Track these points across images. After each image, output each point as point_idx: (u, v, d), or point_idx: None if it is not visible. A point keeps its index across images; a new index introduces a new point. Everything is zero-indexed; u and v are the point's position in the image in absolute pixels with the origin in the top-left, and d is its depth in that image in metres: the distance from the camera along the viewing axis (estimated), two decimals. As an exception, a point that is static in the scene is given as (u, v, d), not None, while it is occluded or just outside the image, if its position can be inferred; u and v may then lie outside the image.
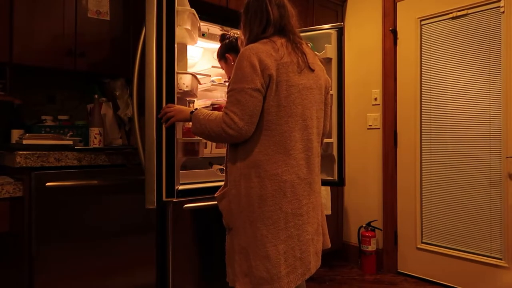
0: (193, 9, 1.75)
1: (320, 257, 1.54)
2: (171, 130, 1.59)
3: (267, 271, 1.35)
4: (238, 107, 1.33)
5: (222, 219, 1.57)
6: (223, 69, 2.20)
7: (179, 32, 1.80)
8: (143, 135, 1.63)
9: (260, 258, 1.36)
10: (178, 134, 1.71)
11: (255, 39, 1.42)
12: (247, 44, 1.42)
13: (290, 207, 1.38)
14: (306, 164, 1.44)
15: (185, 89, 1.73)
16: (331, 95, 1.63)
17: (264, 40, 1.41)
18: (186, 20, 1.73)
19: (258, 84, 1.33)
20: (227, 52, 2.06)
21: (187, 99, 1.83)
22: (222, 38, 2.15)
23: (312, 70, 1.45)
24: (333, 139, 2.50)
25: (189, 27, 1.77)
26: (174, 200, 1.97)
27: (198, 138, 1.79)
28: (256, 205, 1.37)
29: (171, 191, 1.60)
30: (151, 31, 1.56)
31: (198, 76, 2.53)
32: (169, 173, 1.58)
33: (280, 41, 1.40)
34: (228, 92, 1.39)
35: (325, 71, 1.56)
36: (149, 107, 1.56)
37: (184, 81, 1.73)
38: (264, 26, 1.43)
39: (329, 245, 1.62)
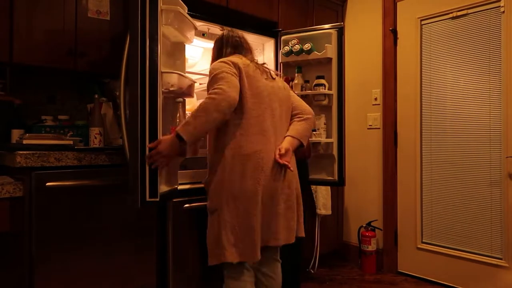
0: (178, 7, 1.73)
1: (294, 235, 1.77)
2: (154, 131, 1.57)
3: (252, 240, 1.60)
4: (221, 81, 1.56)
5: (208, 203, 1.75)
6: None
7: (168, 32, 1.80)
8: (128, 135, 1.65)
9: (244, 229, 1.60)
10: (164, 135, 1.71)
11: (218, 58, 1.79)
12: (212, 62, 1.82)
13: (267, 180, 1.63)
14: (276, 146, 1.71)
15: (171, 89, 1.72)
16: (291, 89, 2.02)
17: (230, 55, 1.77)
18: (173, 19, 1.73)
19: (234, 70, 1.61)
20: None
21: (177, 99, 1.82)
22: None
23: (273, 78, 1.81)
24: (333, 139, 2.51)
25: (176, 26, 1.76)
26: (174, 200, 1.98)
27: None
28: (238, 182, 1.61)
29: (154, 192, 1.58)
30: (134, 30, 1.55)
31: (198, 76, 2.55)
32: (152, 173, 1.57)
33: (239, 56, 1.76)
34: (209, 83, 1.62)
35: (279, 77, 1.95)
36: (134, 106, 1.55)
37: (169, 80, 1.71)
38: (228, 52, 1.83)
39: (303, 235, 1.84)
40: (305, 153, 2.24)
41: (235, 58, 1.70)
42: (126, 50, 1.79)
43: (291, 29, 2.70)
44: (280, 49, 2.64)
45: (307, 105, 1.91)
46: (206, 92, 2.74)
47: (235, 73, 1.61)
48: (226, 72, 1.58)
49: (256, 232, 1.62)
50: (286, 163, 1.64)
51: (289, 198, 1.74)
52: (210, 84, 1.61)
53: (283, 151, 1.67)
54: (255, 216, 1.62)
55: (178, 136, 1.51)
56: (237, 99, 1.57)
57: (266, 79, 1.74)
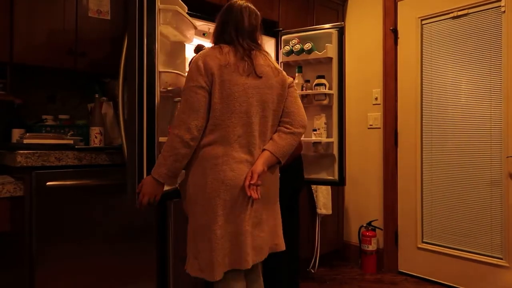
0: (176, 7, 1.73)
1: (265, 253, 1.57)
2: (152, 130, 1.58)
3: (209, 256, 1.45)
4: (184, 105, 1.47)
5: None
6: None
7: (166, 31, 1.80)
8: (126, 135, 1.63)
9: (203, 241, 1.48)
10: (162, 135, 1.70)
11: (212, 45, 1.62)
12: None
13: (229, 195, 1.46)
14: (249, 158, 1.52)
15: (169, 88, 1.71)
16: (293, 88, 1.68)
17: (214, 46, 1.58)
18: (171, 18, 1.72)
19: (201, 81, 1.47)
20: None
21: (175, 98, 1.81)
22: (197, 50, 2.07)
23: (260, 77, 1.54)
24: (334, 139, 2.51)
25: (175, 26, 1.76)
26: (175, 200, 1.97)
27: None
28: (200, 193, 1.48)
29: None
30: (132, 29, 1.55)
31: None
32: (149, 173, 1.56)
33: (227, 49, 1.54)
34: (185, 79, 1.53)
35: (280, 72, 1.63)
36: (131, 106, 1.56)
37: (167, 80, 1.71)
38: (216, 38, 1.63)
39: (282, 248, 1.64)
40: (298, 149, 2.21)
41: (214, 56, 1.50)
42: (124, 49, 1.79)
43: (291, 29, 2.70)
44: (280, 48, 2.64)
45: (303, 115, 1.65)
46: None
47: (201, 86, 1.46)
48: (191, 90, 1.47)
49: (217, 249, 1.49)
50: (253, 194, 1.44)
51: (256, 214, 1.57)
52: (182, 89, 1.53)
53: (255, 177, 1.46)
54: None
55: (153, 176, 1.49)
56: (203, 123, 1.47)
57: (248, 76, 1.51)
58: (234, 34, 1.58)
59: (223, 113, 1.48)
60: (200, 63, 1.48)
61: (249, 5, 1.66)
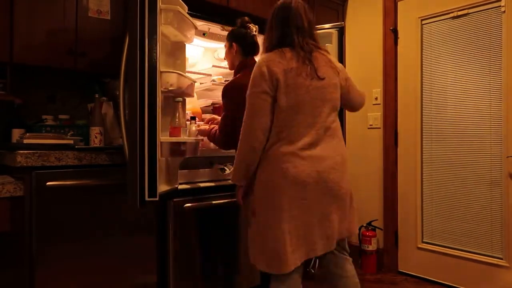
0: (177, 7, 1.72)
1: (333, 243, 1.61)
2: (153, 130, 1.58)
3: (276, 250, 1.51)
4: (250, 112, 1.55)
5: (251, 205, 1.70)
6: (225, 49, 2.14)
7: (167, 31, 1.80)
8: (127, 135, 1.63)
9: (270, 238, 1.53)
10: (163, 135, 1.70)
11: (269, 50, 1.63)
12: (264, 52, 1.66)
13: (294, 190, 1.52)
14: (313, 153, 1.56)
15: (170, 88, 1.71)
16: (349, 78, 1.77)
17: (275, 50, 1.60)
18: (172, 18, 1.72)
19: (267, 87, 1.52)
20: (235, 40, 2.01)
21: (176, 99, 1.81)
22: (242, 24, 2.05)
23: (322, 79, 1.59)
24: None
25: (176, 26, 1.76)
26: (174, 200, 1.97)
27: (182, 138, 1.81)
28: (267, 190, 1.56)
29: (153, 191, 1.59)
30: (133, 29, 1.55)
31: (199, 76, 2.55)
32: (151, 173, 1.57)
33: (289, 54, 1.58)
34: (249, 86, 1.58)
35: (340, 70, 1.69)
36: (133, 106, 1.55)
37: (168, 80, 1.71)
38: (276, 40, 1.63)
39: (351, 233, 1.69)
40: None
41: (278, 62, 1.54)
42: (125, 49, 1.79)
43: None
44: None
45: (363, 101, 1.84)
46: (209, 92, 2.77)
47: (265, 91, 1.53)
48: (255, 96, 1.54)
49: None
50: None
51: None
52: (247, 95, 1.58)
53: None
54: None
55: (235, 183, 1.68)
56: (269, 126, 1.55)
57: (311, 79, 1.56)
58: (296, 36, 1.60)
59: (289, 114, 1.54)
60: (264, 69, 1.53)
61: (300, 1, 1.67)
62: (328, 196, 1.57)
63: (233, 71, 2.06)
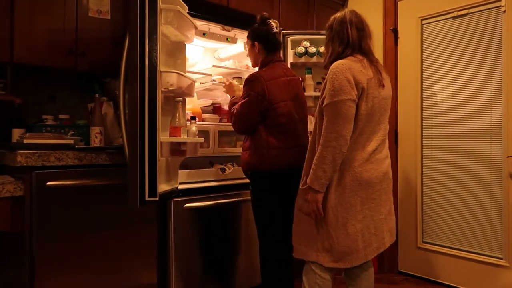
0: (178, 7, 1.73)
1: (394, 234, 1.80)
2: (153, 130, 1.58)
3: (348, 246, 1.63)
4: (338, 121, 1.56)
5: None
6: (247, 48, 2.15)
7: (167, 31, 1.80)
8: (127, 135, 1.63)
9: (341, 236, 1.63)
10: (163, 135, 1.70)
11: (337, 57, 1.67)
12: (330, 60, 1.68)
13: (365, 192, 1.64)
14: (379, 157, 1.69)
15: (171, 88, 1.72)
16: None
17: (353, 58, 1.64)
18: (172, 18, 1.72)
19: (353, 95, 1.56)
20: (257, 39, 2.02)
21: (177, 98, 1.81)
22: (262, 20, 2.05)
23: (384, 86, 1.68)
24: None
25: (176, 25, 1.76)
26: (174, 200, 1.97)
27: (182, 138, 1.80)
28: (341, 194, 1.63)
29: (153, 191, 1.59)
30: (133, 29, 1.55)
31: (199, 76, 2.55)
32: (151, 173, 1.57)
33: (367, 62, 1.65)
34: (327, 105, 1.59)
35: (389, 79, 1.78)
36: (133, 106, 1.56)
37: (169, 80, 1.71)
38: (344, 46, 1.68)
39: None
40: None
41: (359, 70, 1.60)
42: (126, 49, 1.79)
43: (291, 29, 2.72)
44: (281, 49, 2.65)
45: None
46: (209, 92, 2.77)
47: (353, 99, 1.56)
48: (344, 103, 1.55)
49: None
50: None
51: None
52: (326, 97, 1.59)
53: None
54: None
55: (312, 189, 1.62)
56: (351, 132, 1.59)
57: (380, 89, 1.65)
58: (368, 46, 1.70)
59: (365, 121, 1.62)
60: (350, 77, 1.57)
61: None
62: (388, 193, 1.75)
63: (247, 69, 2.09)
